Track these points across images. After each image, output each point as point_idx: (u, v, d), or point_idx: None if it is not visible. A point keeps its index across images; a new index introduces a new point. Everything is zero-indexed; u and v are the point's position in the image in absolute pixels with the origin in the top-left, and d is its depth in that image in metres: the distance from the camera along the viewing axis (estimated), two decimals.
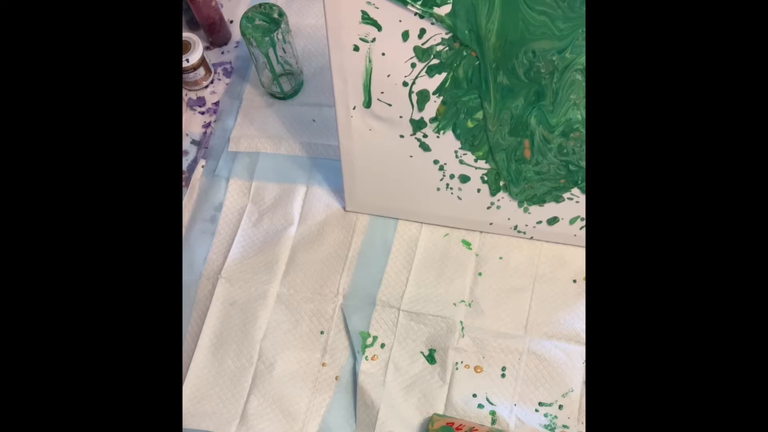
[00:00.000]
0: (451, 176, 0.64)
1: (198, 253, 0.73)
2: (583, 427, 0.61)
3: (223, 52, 0.86)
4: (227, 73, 0.84)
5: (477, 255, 0.70)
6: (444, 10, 0.50)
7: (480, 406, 0.63)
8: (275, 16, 0.72)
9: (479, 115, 0.57)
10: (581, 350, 0.64)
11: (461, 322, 0.66)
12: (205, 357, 0.68)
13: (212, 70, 0.84)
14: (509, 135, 0.58)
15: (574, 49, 0.50)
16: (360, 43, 0.54)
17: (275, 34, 0.71)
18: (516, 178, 0.62)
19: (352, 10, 0.52)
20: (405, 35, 0.53)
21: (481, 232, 0.71)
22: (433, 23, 0.51)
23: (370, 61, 0.55)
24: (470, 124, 0.58)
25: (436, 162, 0.63)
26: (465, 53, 0.53)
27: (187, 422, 0.65)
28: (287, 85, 0.79)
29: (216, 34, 0.84)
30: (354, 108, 0.60)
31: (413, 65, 0.55)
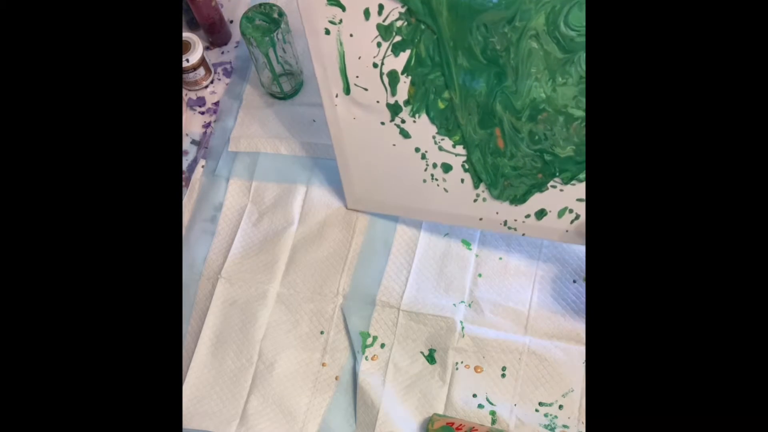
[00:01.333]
0: (434, 165, 0.63)
1: (198, 253, 0.73)
2: (583, 427, 0.61)
3: (223, 52, 0.86)
4: (227, 73, 0.84)
5: (477, 256, 0.70)
6: None
7: (480, 406, 0.63)
8: (275, 16, 0.72)
9: (447, 94, 0.57)
10: (581, 350, 0.64)
11: (461, 322, 0.66)
12: (205, 357, 0.68)
13: (212, 70, 0.84)
14: (480, 127, 0.58)
15: (522, 15, 0.49)
16: (330, 26, 0.54)
17: (275, 34, 0.71)
18: (494, 176, 0.62)
19: None
20: (366, 13, 0.53)
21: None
22: None
23: (341, 43, 0.56)
24: (441, 105, 0.58)
25: (417, 150, 0.62)
26: (423, 27, 0.53)
27: (187, 422, 0.65)
28: (287, 85, 0.79)
29: (216, 34, 0.84)
30: (336, 96, 0.60)
31: (379, 44, 0.55)
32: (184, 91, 0.83)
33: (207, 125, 0.81)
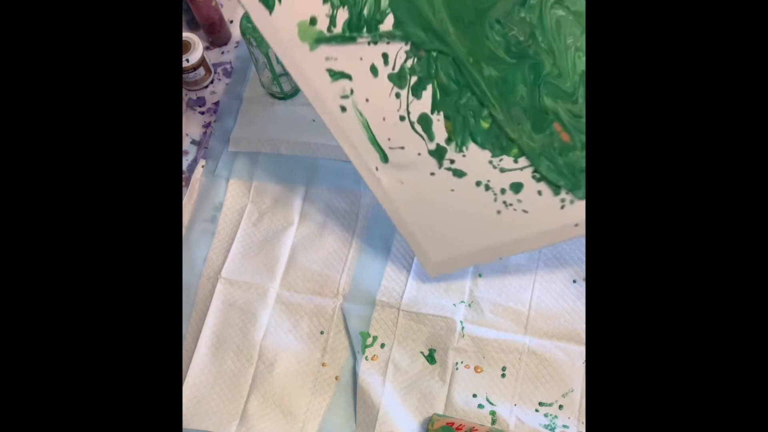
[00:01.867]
0: (502, 191, 0.56)
1: (198, 253, 0.73)
2: (583, 427, 0.61)
3: (223, 52, 0.86)
4: (227, 73, 0.84)
5: None
6: (388, 23, 0.48)
7: (480, 406, 0.63)
8: None
9: (487, 112, 0.52)
10: (581, 350, 0.64)
11: (461, 322, 0.66)
12: (205, 357, 0.68)
13: (212, 70, 0.84)
14: (535, 132, 0.52)
15: None
16: (343, 102, 0.53)
17: None
18: (572, 175, 0.53)
19: (319, 73, 0.52)
20: (373, 70, 0.51)
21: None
22: (388, 43, 0.49)
23: (360, 114, 0.54)
24: (485, 125, 0.52)
25: (478, 183, 0.56)
26: (435, 54, 0.49)
27: (187, 422, 0.65)
28: (287, 85, 0.79)
29: (216, 34, 0.84)
30: (376, 169, 0.57)
31: (398, 95, 0.52)
32: (184, 91, 0.83)
33: (207, 125, 0.81)
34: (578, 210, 0.56)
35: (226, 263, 0.72)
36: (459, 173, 0.56)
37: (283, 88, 0.79)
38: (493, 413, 0.62)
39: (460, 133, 0.54)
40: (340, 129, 0.56)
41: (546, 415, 0.62)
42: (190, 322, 0.70)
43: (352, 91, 0.53)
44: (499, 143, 0.54)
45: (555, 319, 0.66)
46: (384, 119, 0.54)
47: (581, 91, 0.49)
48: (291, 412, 0.65)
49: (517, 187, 0.56)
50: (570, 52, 0.47)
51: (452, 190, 0.57)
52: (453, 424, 0.59)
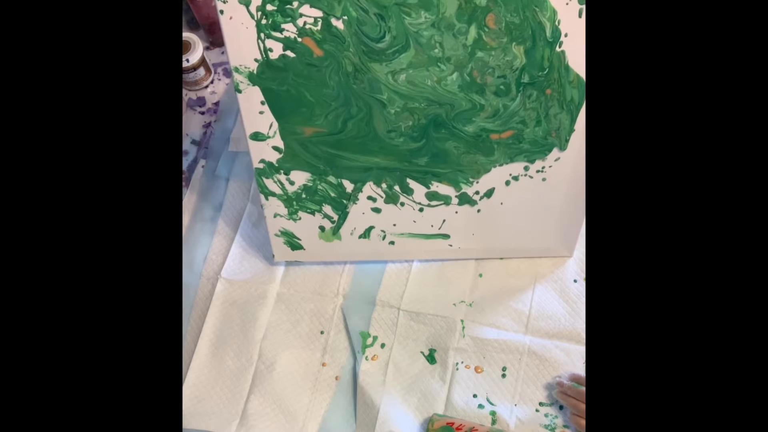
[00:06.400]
0: (526, 168, 0.59)
1: (198, 253, 0.73)
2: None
3: (223, 52, 0.86)
4: (227, 73, 0.84)
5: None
6: (349, 186, 0.60)
7: (480, 406, 0.63)
8: None
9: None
10: (581, 350, 0.64)
11: (462, 322, 0.66)
12: (205, 357, 0.68)
13: (212, 70, 0.84)
14: (488, 155, 0.56)
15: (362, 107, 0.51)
16: (389, 238, 0.65)
17: None
18: (544, 143, 0.56)
19: (361, 246, 0.66)
20: (375, 210, 0.62)
21: None
22: (362, 191, 0.60)
23: (401, 234, 0.65)
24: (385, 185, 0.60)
25: (508, 183, 0.60)
26: (388, 171, 0.59)
27: (187, 422, 0.65)
28: None
29: (216, 34, 0.84)
30: (454, 246, 0.67)
31: (402, 204, 0.62)
32: (184, 91, 0.83)
33: (207, 125, 0.81)
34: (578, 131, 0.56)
35: (226, 263, 0.72)
36: (489, 193, 0.61)
37: None
38: (493, 413, 0.62)
39: (457, 177, 0.60)
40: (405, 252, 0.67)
41: (546, 415, 0.62)
42: (190, 322, 0.70)
43: (383, 231, 0.64)
44: (480, 172, 0.59)
45: (555, 319, 0.66)
46: (414, 221, 0.64)
47: (474, 97, 0.52)
48: (291, 412, 0.65)
49: (531, 160, 0.59)
50: (438, 88, 0.51)
51: (502, 204, 0.62)
52: (453, 424, 0.59)
